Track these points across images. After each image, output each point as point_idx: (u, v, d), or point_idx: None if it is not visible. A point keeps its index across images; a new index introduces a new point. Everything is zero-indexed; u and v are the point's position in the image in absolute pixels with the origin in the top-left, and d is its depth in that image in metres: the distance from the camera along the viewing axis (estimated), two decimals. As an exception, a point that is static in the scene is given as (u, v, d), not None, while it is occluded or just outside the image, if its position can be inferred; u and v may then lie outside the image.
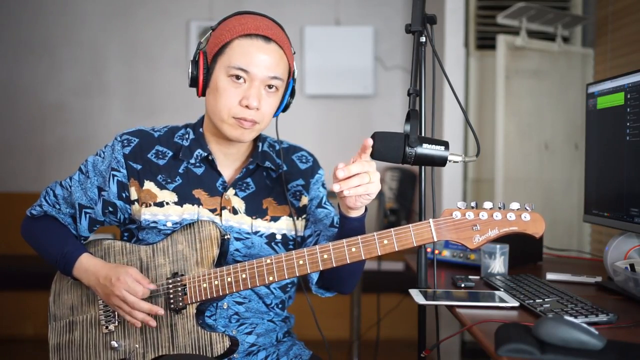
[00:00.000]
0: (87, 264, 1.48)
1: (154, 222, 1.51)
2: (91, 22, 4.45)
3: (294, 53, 1.55)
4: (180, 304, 1.44)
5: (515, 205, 1.31)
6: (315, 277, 1.55)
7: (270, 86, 1.47)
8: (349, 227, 1.41)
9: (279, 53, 1.47)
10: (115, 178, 1.53)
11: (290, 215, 1.57)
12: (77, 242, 1.53)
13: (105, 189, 1.54)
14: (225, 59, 1.45)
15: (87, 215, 1.55)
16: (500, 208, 1.32)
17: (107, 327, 1.49)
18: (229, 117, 1.46)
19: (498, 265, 1.71)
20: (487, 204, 1.32)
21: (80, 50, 4.45)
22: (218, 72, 1.46)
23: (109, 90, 4.47)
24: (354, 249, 1.34)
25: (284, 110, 1.56)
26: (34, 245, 1.58)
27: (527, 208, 1.31)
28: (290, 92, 1.54)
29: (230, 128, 1.47)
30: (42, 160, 4.43)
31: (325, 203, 1.62)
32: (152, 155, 1.55)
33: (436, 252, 1.91)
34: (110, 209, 1.55)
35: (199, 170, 1.55)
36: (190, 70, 1.49)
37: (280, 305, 1.60)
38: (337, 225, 1.56)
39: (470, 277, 1.66)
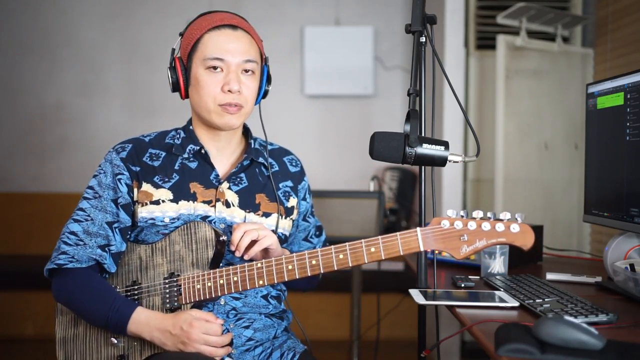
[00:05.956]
0: (146, 318, 1.45)
1: (152, 219, 1.53)
2: (91, 22, 4.45)
3: (262, 41, 1.62)
4: (176, 304, 1.47)
5: (505, 216, 1.29)
6: None
7: (246, 70, 1.55)
8: None
9: (247, 38, 1.56)
10: (122, 181, 1.55)
11: (279, 213, 1.62)
12: (124, 297, 1.49)
13: (119, 195, 1.54)
14: (200, 54, 1.53)
15: (117, 229, 1.53)
16: (490, 218, 1.30)
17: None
18: (215, 105, 1.53)
19: (498, 265, 1.71)
20: (477, 213, 1.31)
21: (80, 50, 4.45)
22: (196, 68, 1.54)
23: (108, 90, 4.46)
24: (341, 256, 1.38)
25: (264, 96, 1.63)
26: (73, 307, 1.51)
27: (518, 219, 1.28)
28: (266, 78, 1.61)
29: (219, 116, 1.54)
30: (42, 160, 4.43)
31: (308, 216, 1.72)
32: (146, 159, 1.58)
33: (436, 252, 1.90)
34: (132, 208, 1.55)
35: (193, 165, 1.59)
36: (169, 76, 1.56)
37: (276, 297, 1.63)
38: (311, 240, 1.73)
39: (470, 277, 1.66)
